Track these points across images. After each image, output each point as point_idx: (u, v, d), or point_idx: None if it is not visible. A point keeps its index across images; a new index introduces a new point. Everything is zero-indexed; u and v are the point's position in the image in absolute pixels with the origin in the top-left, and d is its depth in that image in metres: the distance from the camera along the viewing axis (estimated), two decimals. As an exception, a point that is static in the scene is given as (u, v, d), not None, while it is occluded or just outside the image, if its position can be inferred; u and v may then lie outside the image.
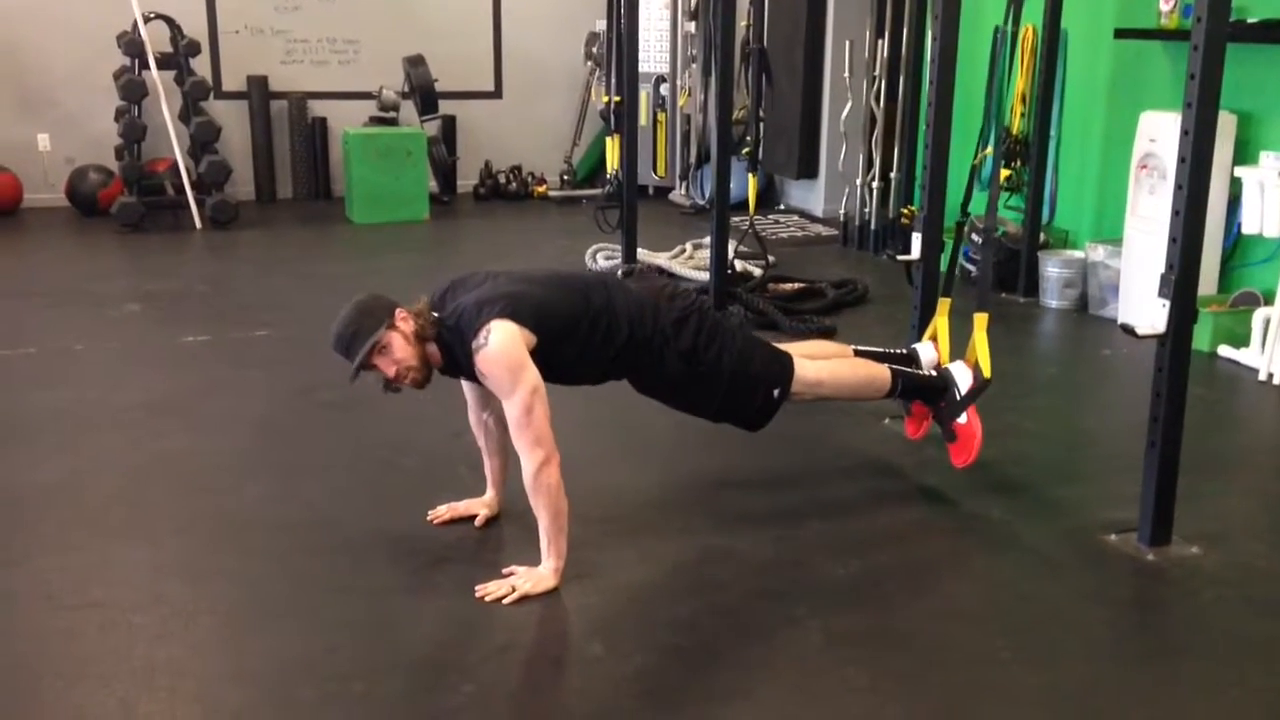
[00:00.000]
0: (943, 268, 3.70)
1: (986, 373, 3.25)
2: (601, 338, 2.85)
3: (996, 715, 2.28)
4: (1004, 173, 3.54)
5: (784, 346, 3.19)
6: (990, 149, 3.58)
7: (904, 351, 3.46)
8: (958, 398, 3.26)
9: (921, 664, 2.47)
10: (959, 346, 3.41)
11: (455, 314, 2.73)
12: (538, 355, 2.69)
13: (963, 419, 3.25)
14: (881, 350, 3.44)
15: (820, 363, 3.17)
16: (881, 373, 3.22)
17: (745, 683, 2.39)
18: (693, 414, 3.13)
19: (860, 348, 3.42)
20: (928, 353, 3.44)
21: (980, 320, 3.32)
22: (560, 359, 2.80)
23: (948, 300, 3.50)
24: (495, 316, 2.65)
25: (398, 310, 2.74)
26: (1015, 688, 2.38)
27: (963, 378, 3.27)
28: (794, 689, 2.37)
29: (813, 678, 2.42)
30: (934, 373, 3.36)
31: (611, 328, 2.85)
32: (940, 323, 3.48)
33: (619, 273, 3.12)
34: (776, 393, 3.06)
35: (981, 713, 2.29)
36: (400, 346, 2.72)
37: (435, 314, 2.78)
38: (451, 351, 2.75)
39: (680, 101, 8.37)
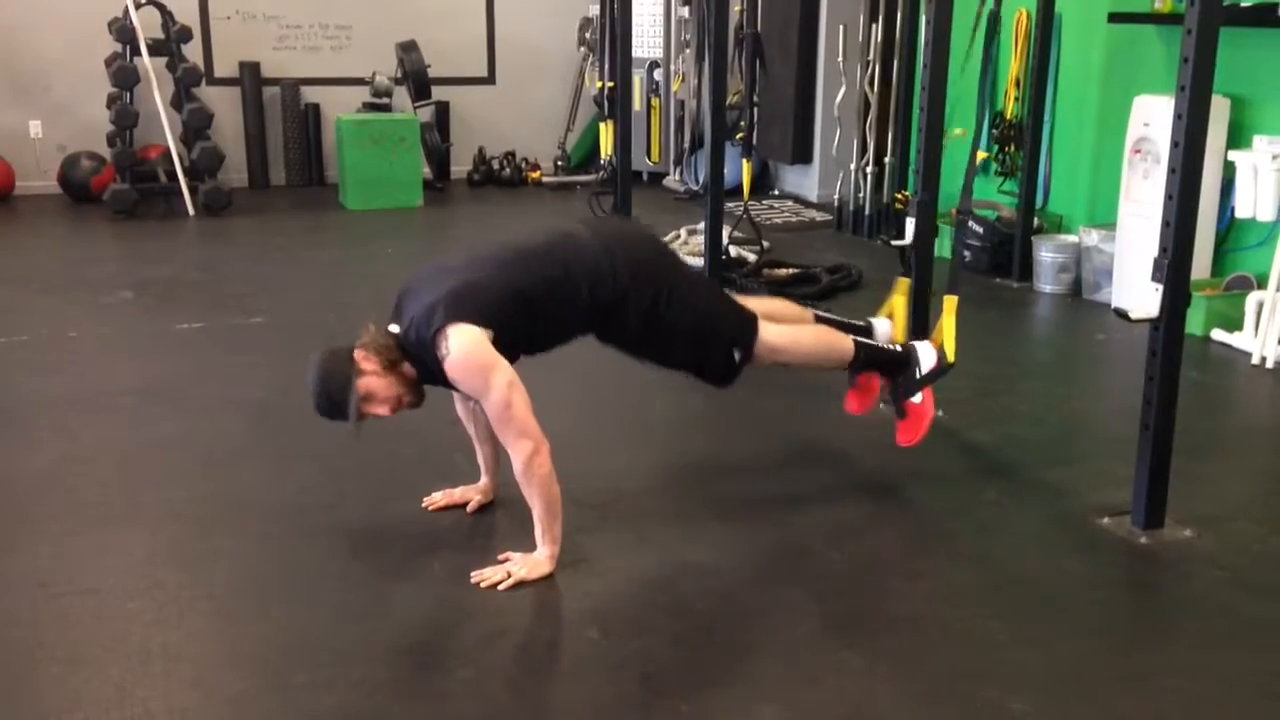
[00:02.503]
0: (944, 251, 3.68)
1: (951, 356, 3.20)
2: (560, 307, 2.78)
3: (991, 696, 2.29)
4: (980, 155, 3.48)
5: (747, 303, 3.11)
6: (961, 130, 3.54)
7: (862, 324, 3.38)
8: (917, 376, 3.18)
9: (916, 646, 2.48)
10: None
11: (413, 326, 2.68)
12: (500, 341, 2.65)
13: (917, 398, 3.19)
14: (841, 320, 3.35)
15: (784, 328, 3.08)
16: (844, 343, 3.13)
17: (741, 667, 2.40)
18: (655, 365, 3.06)
19: (820, 314, 3.34)
20: (884, 328, 3.37)
21: (950, 303, 3.26)
22: (521, 336, 2.75)
23: (907, 280, 3.44)
24: (446, 322, 2.60)
25: (355, 354, 2.70)
26: (1010, 669, 2.39)
27: (926, 357, 3.19)
28: (790, 672, 2.38)
29: (809, 661, 2.42)
30: (897, 347, 3.27)
31: (569, 294, 2.77)
32: (899, 301, 3.40)
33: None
34: (738, 354, 2.97)
35: (977, 694, 2.30)
36: (379, 387, 2.70)
37: (395, 327, 2.74)
38: (423, 363, 2.70)
39: (674, 87, 8.35)
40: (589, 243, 2.84)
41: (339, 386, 2.68)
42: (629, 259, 2.83)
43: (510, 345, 2.69)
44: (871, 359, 3.19)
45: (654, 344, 2.94)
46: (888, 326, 3.38)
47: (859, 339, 3.19)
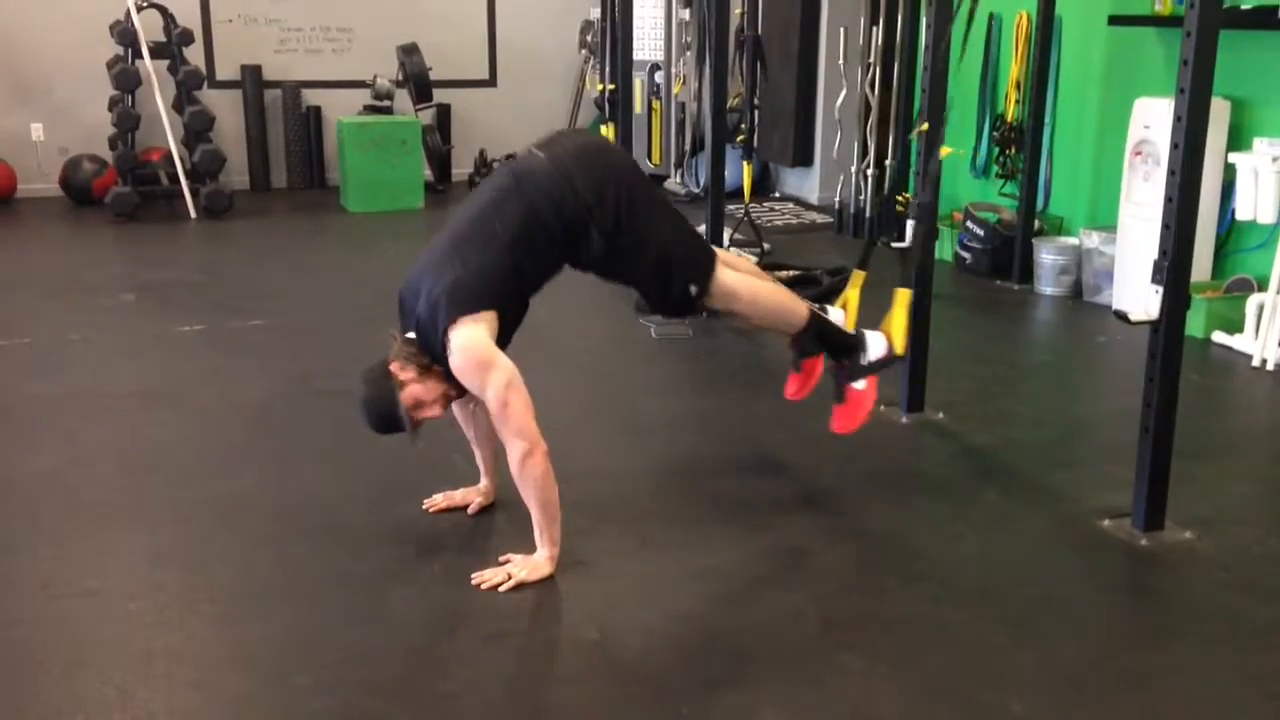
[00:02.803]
0: (945, 254, 3.65)
1: (899, 348, 3.20)
2: (541, 249, 2.79)
3: (991, 698, 2.29)
4: (945, 150, 3.45)
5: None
6: (925, 126, 3.51)
7: (816, 307, 3.33)
8: (863, 362, 3.15)
9: (916, 648, 2.48)
10: (948, 334, 3.41)
11: (421, 328, 2.75)
12: (504, 313, 2.71)
13: (860, 385, 3.16)
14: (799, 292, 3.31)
15: (743, 276, 3.05)
16: (799, 307, 3.10)
17: (741, 668, 2.40)
18: (615, 280, 3.07)
19: (778, 275, 3.28)
20: (837, 316, 3.30)
21: (903, 296, 3.24)
22: (522, 297, 2.82)
23: (863, 274, 3.40)
24: (450, 321, 2.66)
25: (391, 368, 2.75)
26: (1010, 671, 2.39)
27: (875, 346, 3.17)
28: (790, 675, 2.38)
29: (809, 663, 2.42)
30: (849, 330, 3.23)
31: (545, 234, 2.77)
32: (852, 295, 3.33)
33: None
34: (694, 289, 2.93)
35: (976, 696, 2.30)
36: (423, 392, 2.76)
37: (410, 336, 2.79)
38: (443, 364, 2.75)
39: (675, 89, 8.35)
40: (546, 169, 2.80)
41: (386, 402, 2.74)
42: (589, 178, 2.79)
43: (517, 307, 2.78)
44: (822, 332, 3.14)
45: (618, 264, 2.91)
46: (841, 316, 3.31)
47: (814, 309, 3.15)
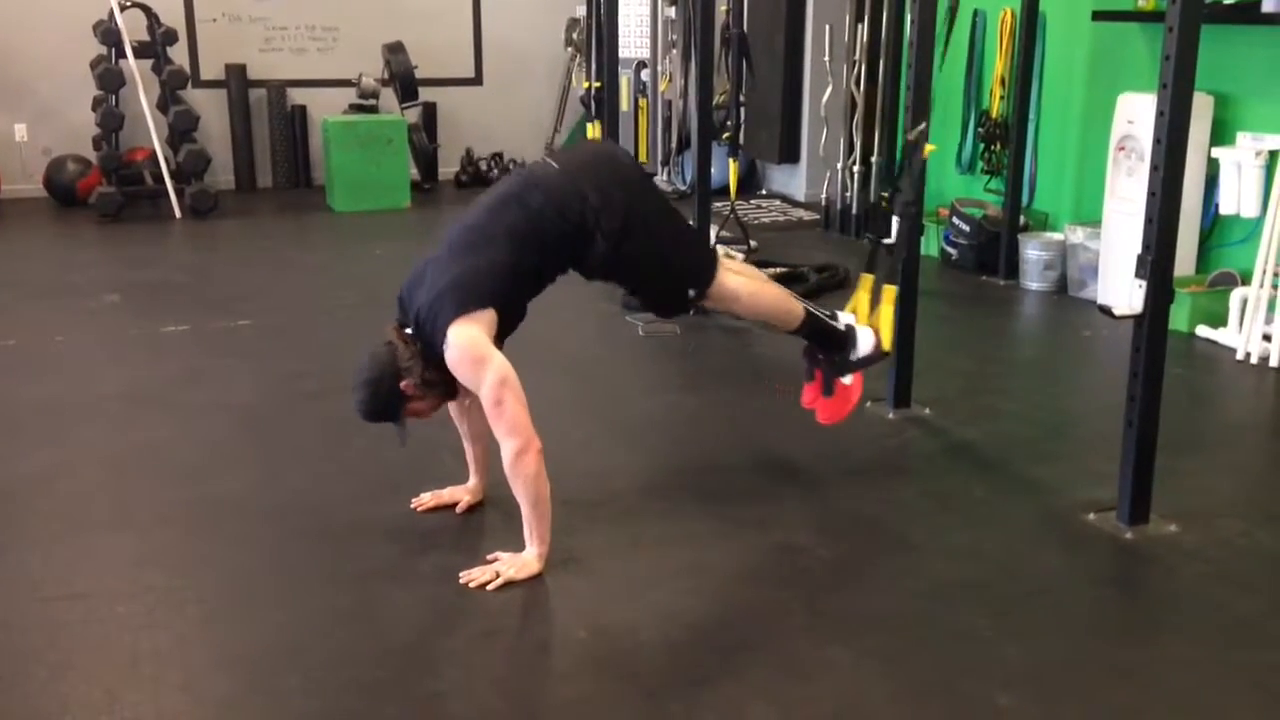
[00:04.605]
0: (931, 250, 3.65)
1: (887, 345, 3.26)
2: (544, 253, 2.82)
3: (978, 692, 2.30)
4: (929, 148, 3.48)
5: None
6: (923, 126, 3.53)
7: (826, 313, 3.37)
8: (852, 358, 3.21)
9: (904, 642, 2.49)
10: (934, 330, 3.42)
11: (421, 321, 2.76)
12: (505, 312, 2.74)
13: (848, 379, 3.23)
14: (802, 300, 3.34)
15: (742, 278, 3.10)
16: (796, 306, 3.15)
17: (731, 665, 2.41)
18: (624, 288, 3.16)
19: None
20: (848, 321, 3.33)
21: (889, 293, 3.30)
22: (524, 297, 2.84)
23: (871, 277, 3.40)
24: (450, 318, 2.68)
25: (403, 386, 2.77)
26: (996, 664, 2.40)
27: (864, 342, 3.22)
28: (779, 670, 2.39)
29: (798, 659, 2.43)
30: (840, 325, 3.26)
31: (546, 237, 2.79)
32: (862, 298, 3.36)
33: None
34: (692, 293, 2.99)
35: (963, 689, 2.31)
36: (425, 408, 2.86)
37: (408, 330, 2.80)
38: (440, 359, 2.76)
39: (661, 87, 8.36)
40: (556, 176, 2.86)
41: (387, 398, 2.79)
42: (598, 185, 2.83)
43: (516, 309, 2.81)
44: (816, 328, 3.20)
45: (622, 269, 2.94)
46: (853, 321, 3.36)
47: (808, 306, 3.20)
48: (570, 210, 2.79)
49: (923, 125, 3.52)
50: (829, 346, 3.24)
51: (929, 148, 3.48)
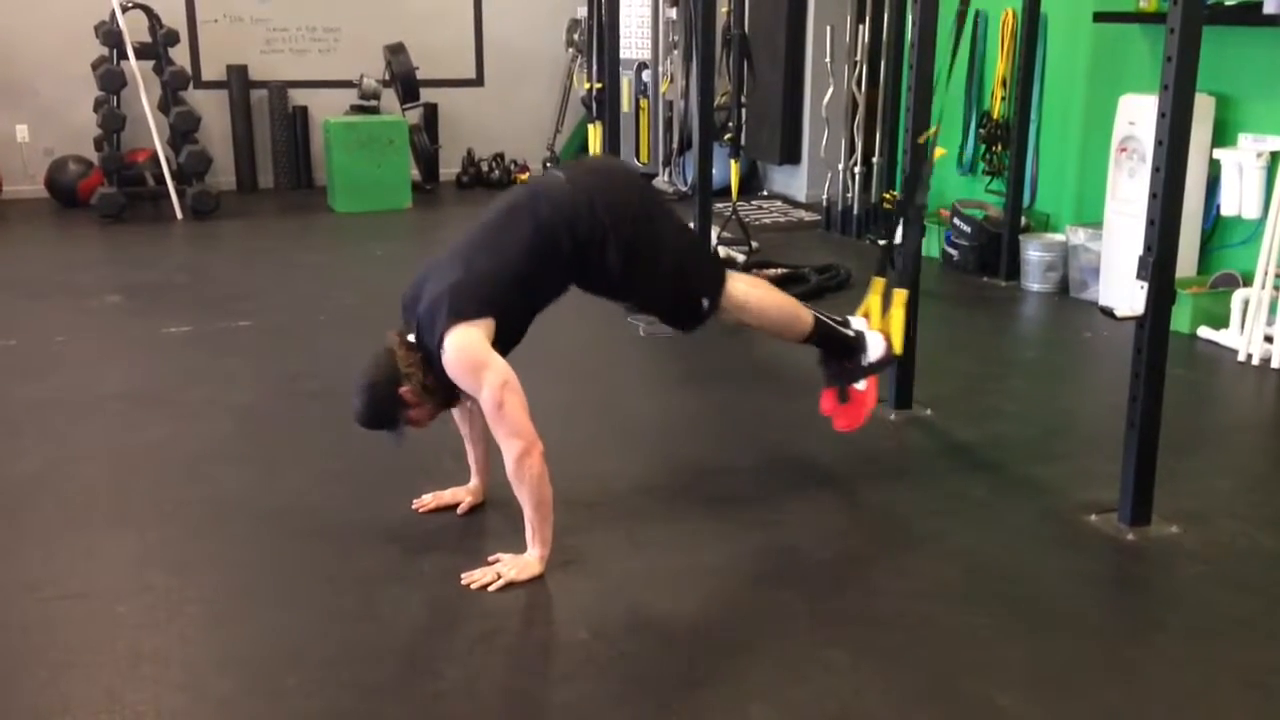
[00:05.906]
0: (932, 251, 3.65)
1: (898, 348, 3.27)
2: (549, 265, 2.81)
3: (978, 692, 2.30)
4: (939, 151, 3.49)
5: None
6: (935, 129, 3.54)
7: (838, 318, 3.38)
8: (864, 363, 3.23)
9: (904, 643, 2.49)
10: (935, 331, 3.41)
11: (421, 329, 2.76)
12: (504, 322, 2.72)
13: (861, 385, 3.24)
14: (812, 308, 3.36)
15: (752, 289, 3.12)
16: (805, 314, 3.16)
17: (731, 666, 2.41)
18: (632, 305, 3.17)
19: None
20: (860, 324, 3.34)
21: (900, 296, 3.30)
22: (526, 310, 2.83)
23: (883, 280, 3.42)
24: (449, 324, 2.67)
25: (402, 393, 2.76)
26: (997, 665, 2.40)
27: (875, 347, 3.23)
28: (779, 671, 2.39)
29: (798, 660, 2.43)
30: (850, 331, 3.28)
31: (554, 250, 2.79)
32: (874, 301, 3.37)
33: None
34: (706, 303, 3.00)
35: (964, 690, 2.31)
36: (423, 415, 2.84)
37: (411, 337, 2.80)
38: (438, 365, 2.75)
39: (662, 88, 8.36)
40: (564, 189, 2.85)
41: (386, 405, 2.79)
42: (607, 199, 2.84)
43: (516, 322, 2.79)
44: (826, 335, 3.21)
45: (633, 283, 2.94)
46: (864, 324, 3.38)
47: (818, 313, 3.21)
48: (579, 223, 2.79)
49: (934, 129, 3.52)
50: (840, 353, 3.25)
51: (939, 151, 3.49)
